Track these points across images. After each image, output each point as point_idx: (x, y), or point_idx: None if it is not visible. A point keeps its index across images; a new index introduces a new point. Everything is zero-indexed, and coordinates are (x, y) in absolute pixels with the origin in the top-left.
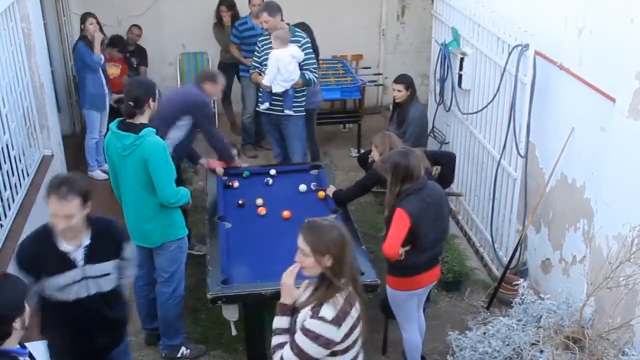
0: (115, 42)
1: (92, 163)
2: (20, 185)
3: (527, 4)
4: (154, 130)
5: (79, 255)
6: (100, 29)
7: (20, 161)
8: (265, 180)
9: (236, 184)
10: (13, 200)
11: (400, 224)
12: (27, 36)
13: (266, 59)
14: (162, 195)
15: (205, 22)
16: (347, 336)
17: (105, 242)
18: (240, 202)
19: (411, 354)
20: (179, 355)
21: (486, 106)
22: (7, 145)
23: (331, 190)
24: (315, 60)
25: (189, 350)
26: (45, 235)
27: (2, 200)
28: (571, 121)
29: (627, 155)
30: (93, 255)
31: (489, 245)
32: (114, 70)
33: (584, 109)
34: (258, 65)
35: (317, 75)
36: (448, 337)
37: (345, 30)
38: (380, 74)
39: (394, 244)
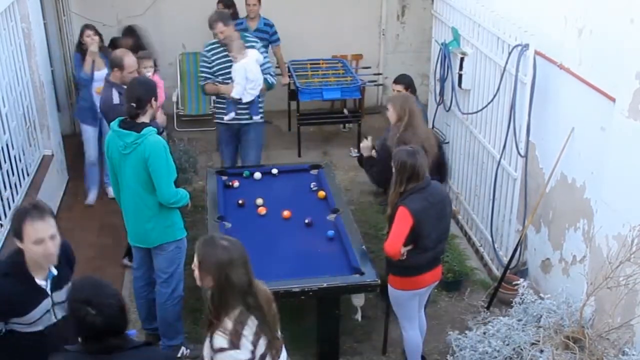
0: (115, 45)
1: (106, 180)
2: (20, 185)
3: (527, 4)
4: (155, 129)
5: (48, 283)
6: (101, 39)
7: (20, 161)
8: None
9: (236, 183)
10: (13, 200)
11: (403, 222)
12: (27, 36)
13: (220, 69)
14: (162, 195)
15: (205, 22)
16: (253, 352)
17: (64, 264)
18: (240, 202)
19: (412, 354)
20: (179, 355)
21: (486, 106)
22: (7, 145)
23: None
24: (271, 64)
25: (189, 350)
26: (18, 272)
27: (2, 200)
28: (571, 121)
29: (627, 155)
30: (59, 281)
31: (489, 245)
32: None
33: (584, 109)
34: (210, 76)
35: (275, 78)
36: (448, 337)
37: (345, 30)
38: (380, 74)
39: (395, 242)
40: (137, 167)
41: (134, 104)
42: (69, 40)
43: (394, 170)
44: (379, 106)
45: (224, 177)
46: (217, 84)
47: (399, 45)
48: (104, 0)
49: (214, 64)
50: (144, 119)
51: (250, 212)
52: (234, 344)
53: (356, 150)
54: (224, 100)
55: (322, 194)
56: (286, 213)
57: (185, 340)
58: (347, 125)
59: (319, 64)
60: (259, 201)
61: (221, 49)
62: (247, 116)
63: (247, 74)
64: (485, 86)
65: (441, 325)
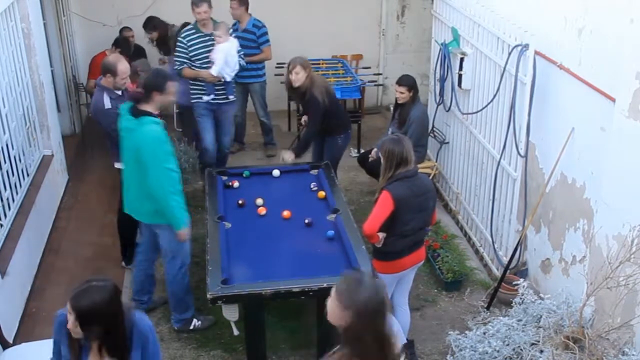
0: (119, 44)
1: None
2: (20, 185)
3: (527, 4)
4: (156, 120)
5: None
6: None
7: (20, 161)
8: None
9: (236, 184)
10: (13, 200)
11: (384, 206)
12: (27, 36)
13: (196, 55)
14: (150, 184)
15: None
16: None
17: None
18: (240, 202)
19: None
20: (191, 327)
21: (486, 106)
22: (7, 145)
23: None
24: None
25: (199, 322)
26: None
27: (2, 200)
28: (571, 121)
29: (627, 155)
30: None
31: (489, 245)
32: None
33: (584, 109)
34: (187, 61)
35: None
36: (448, 337)
37: (345, 30)
38: (380, 74)
39: (373, 224)
40: (133, 151)
41: (140, 90)
42: (69, 40)
43: (382, 159)
44: (379, 106)
45: (224, 177)
46: (194, 68)
47: (399, 45)
48: (104, 0)
49: (190, 49)
50: (148, 107)
51: (250, 212)
52: None
53: (356, 150)
54: (202, 84)
55: (322, 194)
56: (286, 213)
57: (196, 313)
58: None
59: (319, 64)
60: (259, 201)
61: (196, 35)
62: (224, 96)
63: (227, 57)
64: (485, 86)
65: (441, 325)
